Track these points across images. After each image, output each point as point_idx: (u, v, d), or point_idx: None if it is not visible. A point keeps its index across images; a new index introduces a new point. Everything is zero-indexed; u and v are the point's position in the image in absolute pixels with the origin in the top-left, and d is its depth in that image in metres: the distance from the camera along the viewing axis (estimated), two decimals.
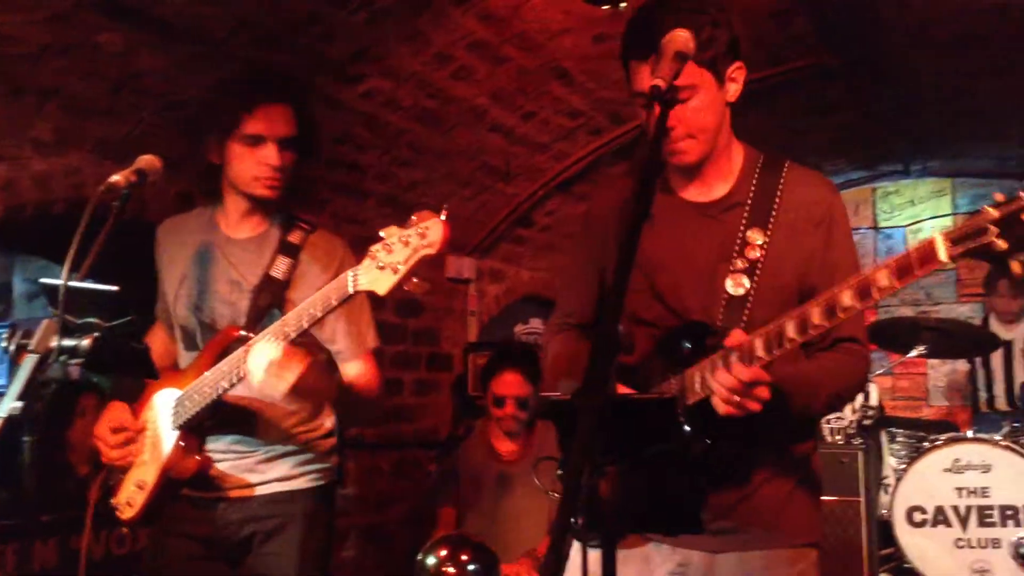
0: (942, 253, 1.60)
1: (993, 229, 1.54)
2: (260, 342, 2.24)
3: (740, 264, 2.00)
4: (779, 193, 2.04)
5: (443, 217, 1.99)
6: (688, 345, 1.97)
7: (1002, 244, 1.54)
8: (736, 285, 1.99)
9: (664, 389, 1.97)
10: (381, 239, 2.04)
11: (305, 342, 2.34)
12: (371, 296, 2.09)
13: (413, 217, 2.03)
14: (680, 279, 2.04)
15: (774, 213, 2.02)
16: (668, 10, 1.94)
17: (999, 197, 1.57)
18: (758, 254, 2.00)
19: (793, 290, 2.01)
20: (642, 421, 1.78)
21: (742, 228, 2.03)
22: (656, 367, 2.02)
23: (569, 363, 2.17)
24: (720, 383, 1.80)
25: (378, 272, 2.03)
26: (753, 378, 1.78)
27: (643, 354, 2.08)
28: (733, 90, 2.03)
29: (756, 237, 2.01)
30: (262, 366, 2.21)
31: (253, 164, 2.48)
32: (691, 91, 1.94)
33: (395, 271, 2.01)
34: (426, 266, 2.01)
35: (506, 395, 4.14)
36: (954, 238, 1.59)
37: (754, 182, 2.07)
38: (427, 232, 1.99)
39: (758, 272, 1.99)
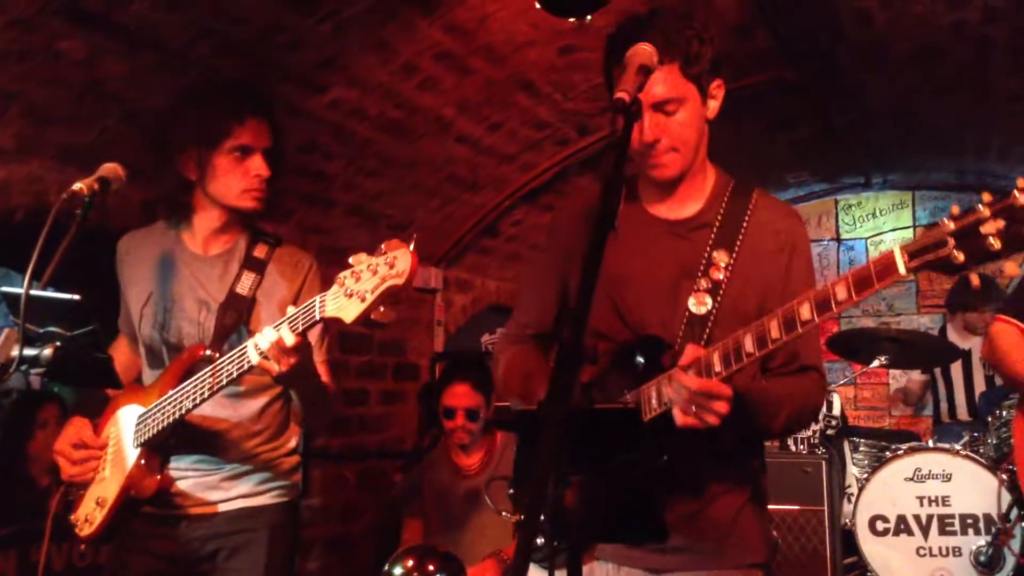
0: (901, 267, 1.62)
1: (951, 242, 1.56)
2: (271, 328, 2.22)
3: (704, 284, 2.02)
4: (747, 218, 2.07)
5: (412, 247, 2.00)
6: (642, 361, 1.98)
7: (960, 256, 1.56)
8: (699, 304, 2.01)
9: (596, 405, 1.98)
10: (350, 266, 2.05)
11: None
12: (337, 322, 2.09)
13: (382, 246, 2.03)
14: (642, 294, 2.06)
15: (740, 236, 2.05)
16: (654, 23, 1.96)
17: (955, 211, 1.59)
18: (722, 275, 2.02)
19: (753, 313, 2.02)
20: (606, 431, 1.78)
21: (708, 248, 2.05)
22: (611, 382, 2.03)
23: (523, 379, 2.18)
24: (677, 393, 1.81)
25: (345, 299, 2.04)
26: (708, 389, 1.78)
27: (599, 368, 2.09)
28: (713, 107, 2.06)
29: (721, 258, 2.03)
30: (269, 341, 2.19)
31: (241, 176, 2.47)
32: (678, 104, 1.96)
33: (362, 299, 2.01)
34: (392, 295, 2.01)
35: (456, 406, 4.14)
36: (912, 251, 1.61)
37: (723, 205, 2.10)
38: (395, 262, 2.00)
39: (721, 292, 2.01)
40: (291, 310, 2.17)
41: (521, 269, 6.48)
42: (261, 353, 2.20)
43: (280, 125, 2.61)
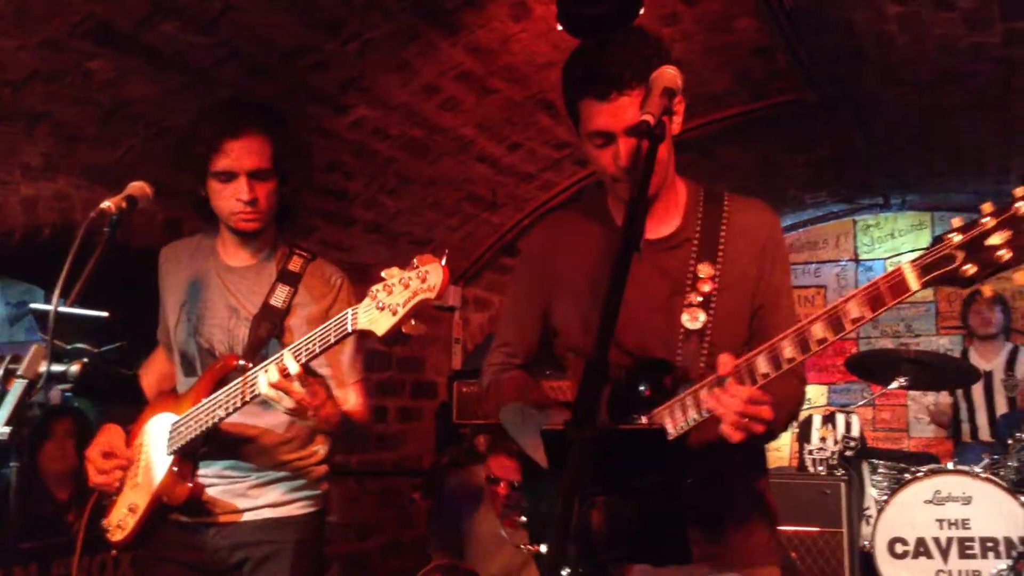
0: (912, 283, 1.62)
1: (959, 255, 1.57)
2: (275, 362, 2.24)
3: (694, 298, 2.03)
4: (723, 225, 2.08)
5: (443, 262, 2.01)
6: (645, 386, 1.98)
7: (970, 270, 1.56)
8: (692, 319, 2.02)
9: (622, 424, 1.96)
10: (382, 279, 2.06)
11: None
12: (369, 335, 2.10)
13: (414, 260, 2.05)
14: (636, 316, 2.05)
15: (721, 245, 2.06)
16: (615, 49, 1.95)
17: (957, 223, 1.58)
18: (710, 287, 2.03)
19: (747, 319, 2.05)
20: (631, 453, 1.79)
21: (692, 263, 2.06)
22: (614, 407, 2.01)
23: (521, 415, 2.18)
24: (727, 407, 1.77)
25: (377, 312, 2.05)
26: (758, 396, 1.76)
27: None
28: (677, 122, 2.05)
29: (707, 271, 2.04)
30: (272, 379, 2.21)
31: (227, 199, 2.49)
32: None
33: (394, 312, 2.03)
34: (424, 309, 2.03)
35: (500, 478, 4.06)
36: (922, 266, 1.61)
37: (699, 216, 2.10)
38: (427, 276, 2.01)
39: (713, 304, 2.02)
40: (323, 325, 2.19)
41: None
42: (271, 385, 2.23)
43: (290, 138, 2.58)
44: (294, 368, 2.20)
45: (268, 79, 3.58)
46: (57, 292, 1.94)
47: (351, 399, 2.60)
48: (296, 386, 2.22)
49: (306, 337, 2.22)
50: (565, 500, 1.33)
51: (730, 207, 2.11)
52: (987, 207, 1.55)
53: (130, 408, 2.62)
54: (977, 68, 4.62)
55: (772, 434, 1.98)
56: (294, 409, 2.26)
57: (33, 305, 1.97)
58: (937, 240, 1.60)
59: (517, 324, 2.33)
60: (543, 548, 2.10)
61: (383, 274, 2.06)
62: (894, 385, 5.29)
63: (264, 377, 2.23)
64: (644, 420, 1.95)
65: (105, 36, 3.06)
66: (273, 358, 2.26)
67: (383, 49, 3.70)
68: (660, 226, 2.11)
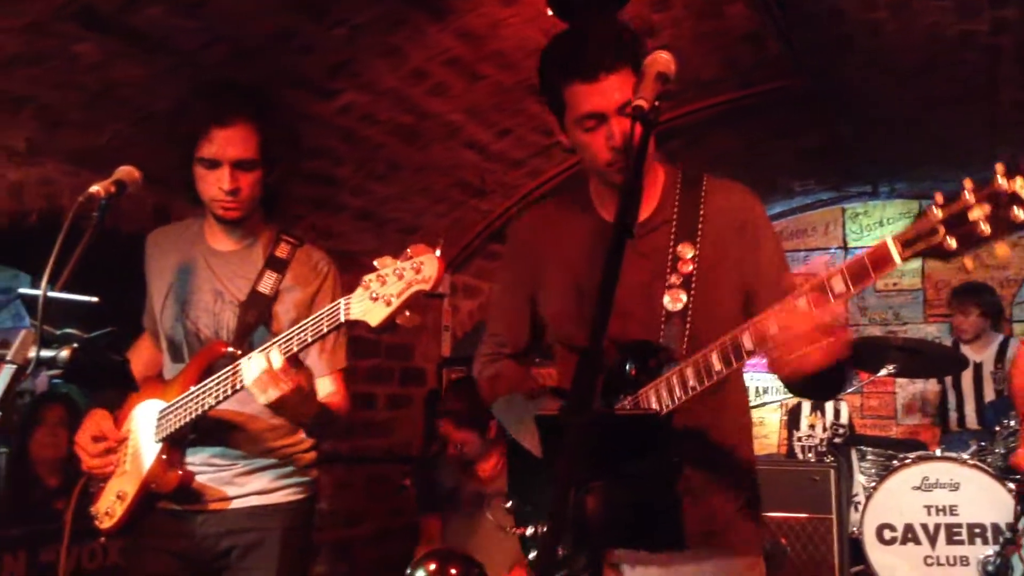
0: (896, 257, 1.62)
1: (941, 229, 1.58)
2: (258, 353, 2.23)
3: (675, 279, 2.03)
4: (702, 205, 2.09)
5: (438, 253, 2.00)
6: (630, 366, 1.97)
7: (952, 244, 1.57)
8: (674, 300, 2.02)
9: (617, 409, 1.97)
10: (375, 269, 2.04)
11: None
12: (362, 326, 2.09)
13: (408, 250, 2.03)
14: (618, 301, 2.05)
15: (700, 225, 2.06)
16: (594, 32, 1.96)
17: (940, 199, 1.59)
18: (691, 268, 2.03)
19: (730, 298, 2.06)
20: (625, 437, 1.78)
21: (671, 244, 2.06)
22: (600, 389, 2.00)
23: (513, 406, 2.20)
24: (808, 323, 1.69)
25: (371, 303, 2.04)
26: (842, 312, 1.70)
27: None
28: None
29: (686, 251, 2.05)
30: (255, 374, 2.20)
31: (210, 187, 2.47)
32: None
33: (388, 303, 2.01)
34: (418, 300, 2.01)
35: (449, 440, 4.18)
36: (905, 240, 1.62)
37: (676, 198, 2.11)
38: (422, 267, 2.00)
39: (694, 285, 2.02)
40: (314, 314, 2.18)
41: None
42: (252, 382, 2.22)
43: (278, 126, 2.55)
44: (278, 362, 2.19)
45: (255, 63, 3.55)
46: (46, 277, 1.92)
47: (329, 388, 2.58)
48: (281, 380, 2.22)
49: (299, 326, 2.20)
50: (560, 486, 1.33)
51: (709, 188, 2.11)
52: (968, 183, 1.57)
53: (117, 394, 2.60)
54: (965, 57, 4.63)
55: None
56: (275, 403, 2.25)
57: (22, 290, 1.95)
58: (920, 215, 1.62)
59: (505, 315, 2.34)
60: (528, 531, 2.10)
61: (376, 263, 2.04)
62: (883, 372, 5.32)
63: (248, 369, 2.22)
64: (629, 401, 1.95)
65: (90, 19, 3.02)
66: (259, 348, 2.25)
67: (371, 33, 3.67)
68: (639, 210, 2.11)
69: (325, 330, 2.15)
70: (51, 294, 1.90)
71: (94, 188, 2.14)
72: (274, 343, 2.23)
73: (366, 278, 2.05)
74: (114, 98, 3.40)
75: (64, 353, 1.88)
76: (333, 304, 2.13)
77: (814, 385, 1.92)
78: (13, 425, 3.85)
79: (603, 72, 1.92)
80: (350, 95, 4.02)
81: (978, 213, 1.54)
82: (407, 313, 2.02)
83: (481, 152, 5.01)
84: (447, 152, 4.84)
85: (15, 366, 1.85)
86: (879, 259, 1.64)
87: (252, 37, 3.44)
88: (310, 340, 2.19)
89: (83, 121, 3.43)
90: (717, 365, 1.83)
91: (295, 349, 2.21)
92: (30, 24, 2.94)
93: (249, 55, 3.51)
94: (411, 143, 4.61)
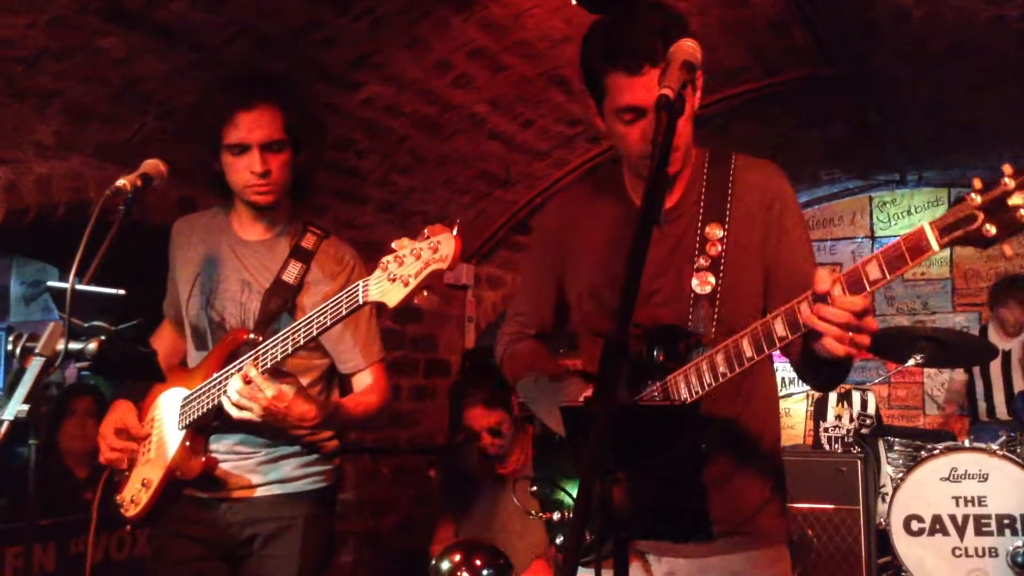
0: (934, 243, 1.59)
1: (980, 216, 1.55)
2: (236, 375, 2.27)
3: (703, 262, 2.01)
4: (730, 184, 2.06)
5: (455, 232, 1.99)
6: (658, 352, 1.96)
7: (991, 230, 1.55)
8: (702, 284, 2.00)
9: (645, 396, 1.96)
10: (392, 251, 2.04)
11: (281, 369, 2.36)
12: (380, 307, 2.09)
13: (425, 230, 2.03)
14: (646, 286, 2.02)
15: (729, 205, 2.04)
16: (645, 19, 1.92)
17: (978, 184, 1.57)
18: (719, 248, 2.01)
19: (756, 280, 2.03)
20: (651, 428, 1.77)
21: (699, 225, 2.03)
22: (629, 376, 1.99)
23: (531, 363, 2.20)
24: (834, 319, 1.67)
25: (389, 284, 2.04)
26: (866, 307, 1.67)
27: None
28: (698, 96, 2.02)
29: (715, 232, 2.02)
30: (233, 397, 2.25)
31: (240, 172, 2.47)
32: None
33: (406, 283, 2.01)
34: (436, 280, 2.01)
35: (477, 428, 4.10)
36: (942, 227, 1.59)
37: (704, 178, 2.08)
38: (439, 246, 1.99)
39: (722, 267, 2.00)
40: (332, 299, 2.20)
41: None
42: (234, 403, 2.26)
43: (303, 108, 2.55)
44: (252, 373, 2.22)
45: (278, 56, 3.56)
46: (74, 270, 1.94)
47: (368, 380, 2.59)
48: (262, 394, 2.23)
49: (317, 310, 2.21)
50: (586, 477, 1.32)
51: (737, 165, 2.08)
52: (1008, 168, 1.54)
53: (142, 384, 2.62)
54: (994, 42, 4.56)
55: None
56: (264, 416, 2.27)
57: (50, 283, 1.96)
58: (958, 200, 1.59)
59: (531, 295, 2.33)
60: (555, 516, 2.09)
61: (394, 244, 2.04)
62: (910, 363, 5.26)
63: (227, 395, 2.25)
64: (657, 387, 1.94)
65: (115, 14, 3.04)
66: (237, 362, 2.28)
67: (395, 25, 3.67)
68: (670, 196, 2.09)
69: (344, 312, 2.15)
70: (79, 287, 1.91)
71: (120, 182, 2.16)
72: (292, 329, 2.24)
73: (383, 260, 2.05)
74: (139, 92, 3.43)
75: (92, 345, 1.89)
76: (352, 286, 2.14)
77: (824, 372, 1.90)
78: (42, 417, 3.89)
79: (647, 64, 1.88)
80: (374, 87, 4.03)
81: (1018, 199, 1.52)
82: (425, 293, 2.03)
83: (505, 143, 5.00)
84: (470, 143, 4.84)
85: (44, 359, 1.87)
86: (916, 246, 1.61)
87: (275, 30, 3.45)
88: (329, 323, 2.19)
89: (109, 115, 3.45)
90: (748, 351, 1.81)
91: (315, 332, 2.21)
92: (56, 18, 2.97)
93: (272, 48, 3.52)
94: (435, 134, 4.61)
